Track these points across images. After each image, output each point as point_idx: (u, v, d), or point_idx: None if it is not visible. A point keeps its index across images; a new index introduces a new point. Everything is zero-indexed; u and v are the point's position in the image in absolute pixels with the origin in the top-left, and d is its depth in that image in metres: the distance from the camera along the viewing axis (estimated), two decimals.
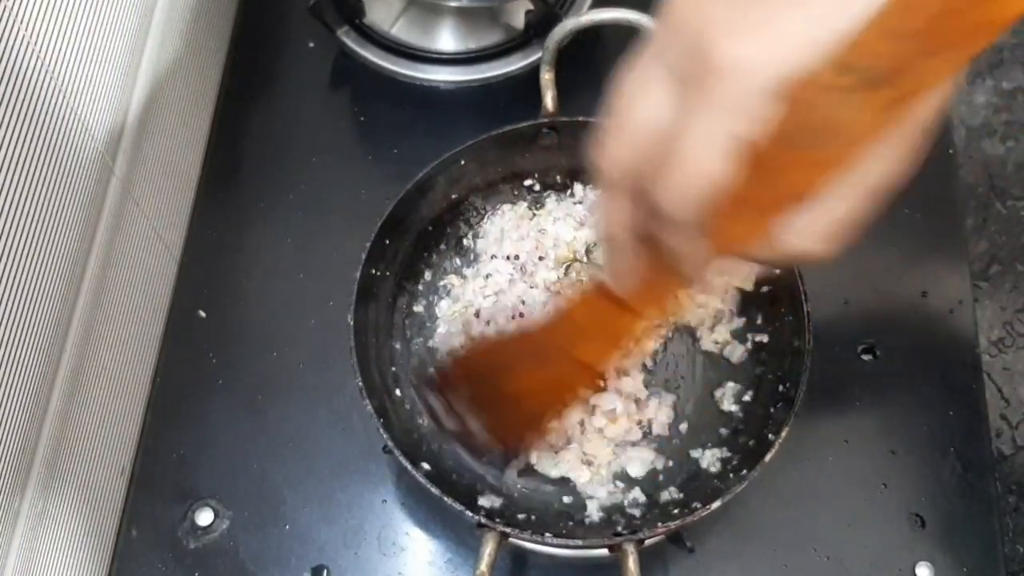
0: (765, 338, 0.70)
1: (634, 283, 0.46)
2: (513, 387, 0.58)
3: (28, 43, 0.56)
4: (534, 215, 0.77)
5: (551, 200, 0.77)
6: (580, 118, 0.71)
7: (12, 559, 0.58)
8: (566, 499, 0.67)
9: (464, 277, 0.75)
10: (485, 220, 0.76)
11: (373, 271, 0.67)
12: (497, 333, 0.68)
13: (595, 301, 0.50)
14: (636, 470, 0.68)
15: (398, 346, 0.71)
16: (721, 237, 0.39)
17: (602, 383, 0.68)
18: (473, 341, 0.70)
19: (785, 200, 0.37)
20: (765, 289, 0.71)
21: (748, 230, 0.39)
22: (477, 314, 0.73)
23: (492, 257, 0.75)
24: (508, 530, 0.58)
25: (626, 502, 0.67)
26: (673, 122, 0.36)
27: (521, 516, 0.65)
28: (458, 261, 0.76)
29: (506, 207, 0.77)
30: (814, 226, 0.38)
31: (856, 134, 0.34)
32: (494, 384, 0.59)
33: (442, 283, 0.75)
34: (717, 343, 0.72)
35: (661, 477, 0.68)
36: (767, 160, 0.35)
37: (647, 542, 0.64)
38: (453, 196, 0.74)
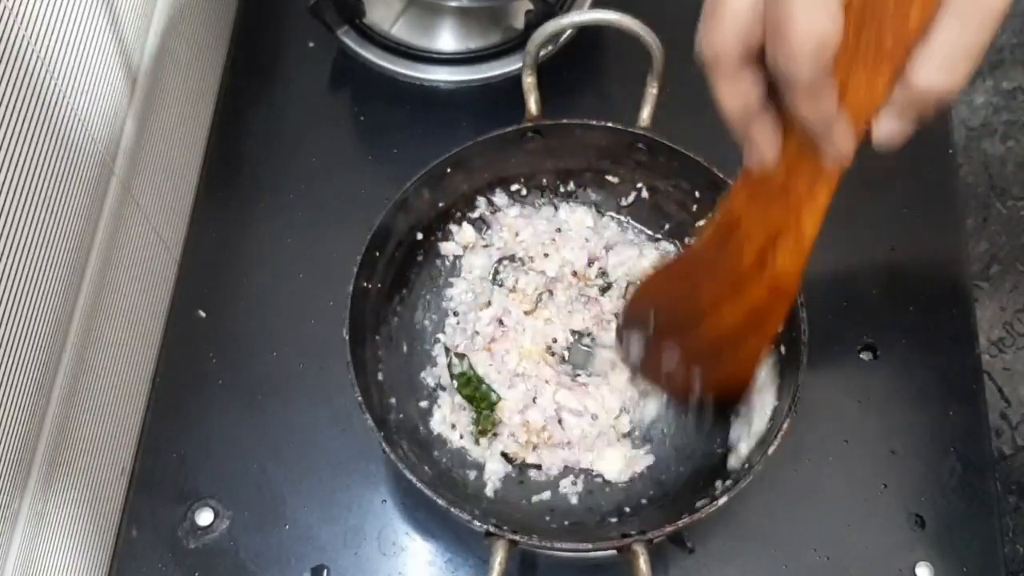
0: None
1: (779, 155, 0.44)
2: (713, 325, 0.55)
3: (28, 43, 0.56)
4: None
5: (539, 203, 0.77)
6: (564, 120, 0.71)
7: (12, 559, 0.58)
8: (569, 498, 0.68)
9: (451, 285, 0.75)
10: (472, 227, 0.76)
11: (365, 284, 0.67)
12: (664, 265, 0.64)
13: (752, 195, 0.48)
14: (636, 469, 0.68)
15: (393, 355, 0.71)
16: (853, 96, 0.39)
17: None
18: (645, 276, 0.66)
19: (902, 37, 0.38)
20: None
21: (877, 81, 0.39)
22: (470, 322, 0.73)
23: (479, 263, 0.75)
24: (517, 537, 0.57)
25: (629, 502, 0.67)
26: None
27: (525, 517, 0.65)
28: (447, 269, 0.76)
29: (495, 212, 0.77)
30: (939, 57, 0.38)
31: None
32: (692, 321, 0.56)
33: (431, 291, 0.75)
34: None
35: (663, 476, 0.68)
36: (870, 4, 0.37)
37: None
38: (440, 204, 0.74)
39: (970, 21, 0.38)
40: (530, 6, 0.83)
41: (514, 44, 0.87)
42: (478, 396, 0.69)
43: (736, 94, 0.43)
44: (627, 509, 0.66)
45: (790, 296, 0.50)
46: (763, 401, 0.65)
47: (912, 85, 0.39)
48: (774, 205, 0.47)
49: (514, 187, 0.76)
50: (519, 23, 0.86)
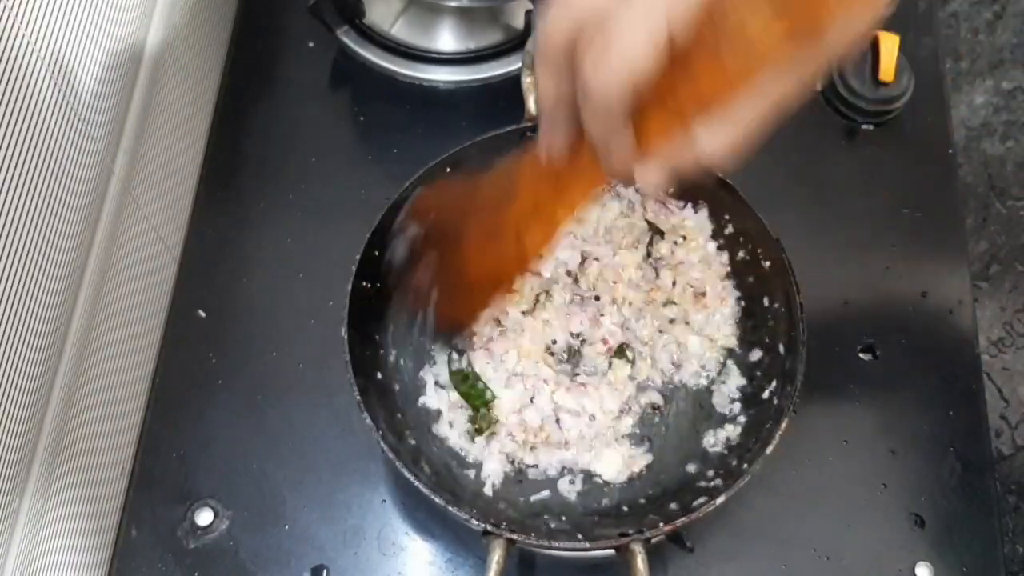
0: (761, 332, 0.71)
1: (561, 157, 0.47)
2: (467, 261, 0.59)
3: (28, 43, 0.56)
4: None
5: None
6: None
7: (12, 559, 0.58)
8: (567, 498, 0.68)
9: None
10: None
11: (364, 284, 0.67)
12: (471, 177, 0.67)
13: (536, 172, 0.51)
14: (634, 469, 0.68)
15: (392, 355, 0.71)
16: (640, 131, 0.42)
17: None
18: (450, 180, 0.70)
19: (699, 103, 0.40)
20: (752, 280, 0.72)
21: (665, 127, 0.42)
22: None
23: None
24: (515, 536, 0.57)
25: (628, 501, 0.67)
26: (611, 3, 0.39)
27: (523, 516, 0.65)
28: None
29: None
30: (721, 132, 0.41)
31: (763, 51, 0.38)
32: (453, 248, 0.60)
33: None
34: (714, 340, 0.72)
35: (661, 476, 0.68)
36: (687, 60, 0.39)
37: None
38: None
39: (759, 113, 0.40)
40: (530, 6, 0.83)
41: (514, 44, 0.87)
42: (474, 393, 0.69)
43: (551, 84, 0.43)
44: (625, 509, 0.66)
45: (524, 267, 0.56)
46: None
47: (695, 146, 0.41)
48: (545, 185, 0.51)
49: None
50: (519, 23, 0.86)
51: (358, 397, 0.61)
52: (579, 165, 0.47)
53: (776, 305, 0.69)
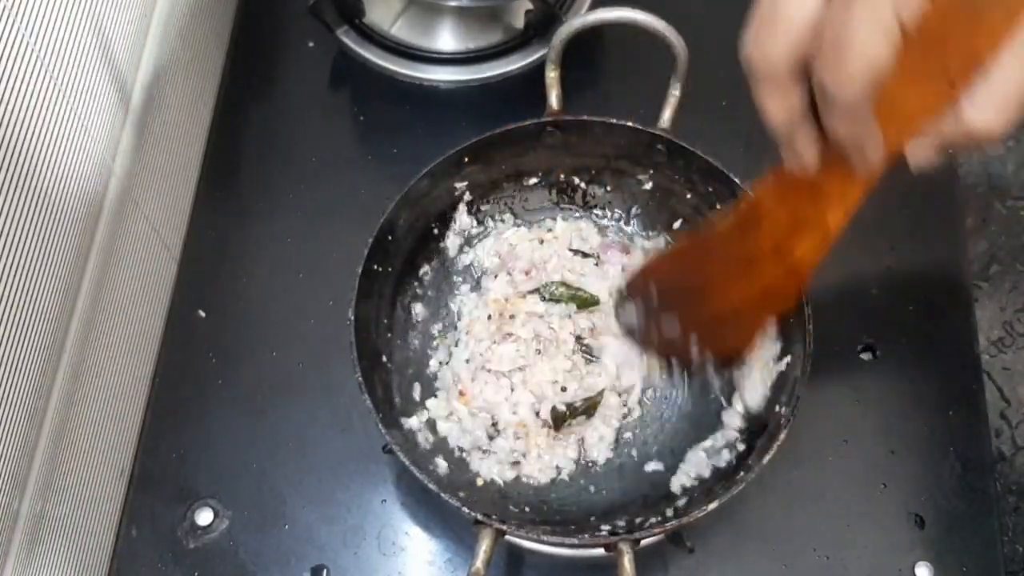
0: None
1: (815, 159, 0.46)
2: (720, 299, 0.59)
3: (28, 43, 0.56)
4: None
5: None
6: (584, 117, 0.71)
7: (12, 558, 0.58)
8: (562, 495, 0.68)
9: (456, 287, 0.75)
10: (486, 218, 0.77)
11: (375, 267, 0.67)
12: (672, 249, 0.69)
13: (783, 191, 0.50)
14: (634, 468, 0.68)
15: (398, 342, 0.71)
16: (894, 118, 0.40)
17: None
18: (661, 254, 0.71)
19: (955, 72, 0.38)
20: None
21: (921, 106, 0.40)
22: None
23: (492, 255, 0.76)
24: (504, 527, 0.57)
25: (622, 502, 0.67)
26: (829, 9, 0.38)
27: (516, 510, 0.65)
28: (459, 258, 0.76)
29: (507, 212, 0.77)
30: (988, 97, 0.39)
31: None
32: (698, 296, 0.60)
33: (439, 280, 0.75)
34: None
35: (660, 477, 0.68)
36: (933, 33, 0.37)
37: (646, 541, 0.64)
38: (456, 193, 0.73)
39: None
40: (530, 6, 0.83)
41: (514, 44, 0.87)
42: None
43: (782, 104, 0.43)
44: (619, 509, 0.66)
45: (802, 281, 0.54)
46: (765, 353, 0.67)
47: (964, 121, 0.40)
48: (804, 200, 0.49)
49: (531, 181, 0.76)
50: (519, 23, 0.86)
51: (360, 379, 0.61)
52: (830, 170, 0.46)
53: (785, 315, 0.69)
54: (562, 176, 0.76)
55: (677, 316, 0.64)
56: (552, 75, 0.72)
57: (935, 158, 0.43)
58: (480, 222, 0.76)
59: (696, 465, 0.67)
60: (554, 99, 0.72)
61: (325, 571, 0.68)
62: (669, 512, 0.63)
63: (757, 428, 0.66)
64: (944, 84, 0.39)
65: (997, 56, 0.38)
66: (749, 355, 0.65)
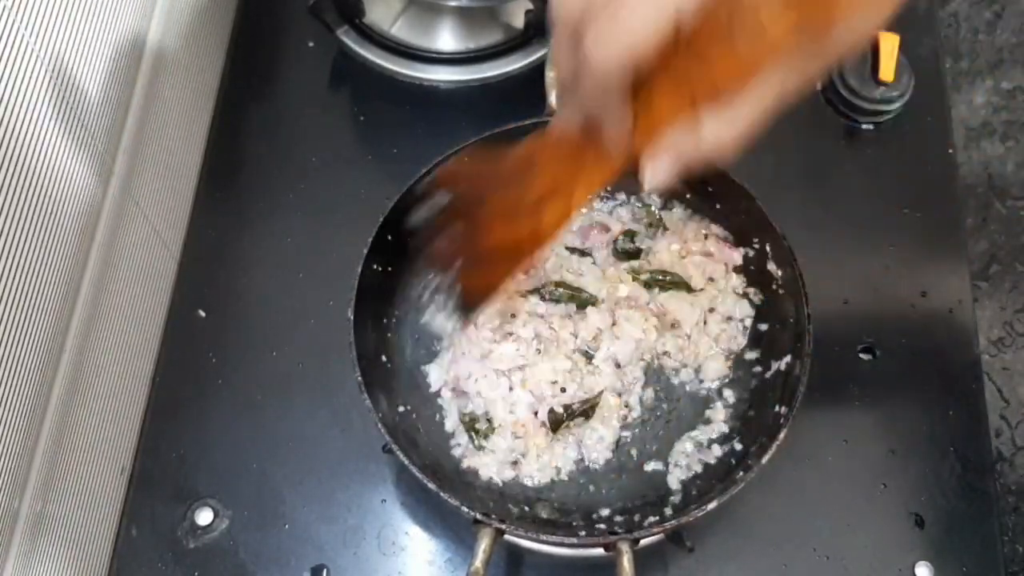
0: (768, 339, 0.71)
1: (574, 134, 0.47)
2: (486, 231, 0.58)
3: (28, 43, 0.56)
4: None
5: None
6: None
7: (12, 558, 0.58)
8: (562, 494, 0.68)
9: None
10: None
11: (375, 267, 0.67)
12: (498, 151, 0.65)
13: (554, 150, 0.50)
14: (633, 468, 0.68)
15: (399, 342, 0.71)
16: (646, 115, 0.42)
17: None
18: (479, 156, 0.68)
19: (709, 89, 0.40)
20: (762, 287, 0.72)
21: (673, 113, 0.42)
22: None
23: None
24: (503, 526, 0.58)
25: (621, 502, 0.67)
26: None
27: (515, 510, 0.65)
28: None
29: None
30: (727, 123, 0.41)
31: (773, 40, 0.38)
32: (475, 220, 0.59)
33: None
34: (720, 345, 0.72)
35: (660, 477, 0.68)
36: (698, 46, 0.38)
37: (645, 541, 0.64)
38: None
39: (764, 105, 0.40)
40: (530, 6, 0.83)
41: (514, 44, 0.87)
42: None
43: (567, 59, 0.43)
44: (619, 509, 0.66)
45: (539, 246, 0.54)
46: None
47: (698, 137, 0.41)
48: (564, 165, 0.50)
49: None
50: (519, 23, 0.86)
51: (359, 378, 0.61)
52: (596, 147, 0.46)
53: (785, 315, 0.69)
54: None
55: (459, 228, 0.62)
56: (552, 75, 0.72)
57: (668, 177, 0.44)
58: None
59: (686, 456, 0.67)
60: (554, 99, 0.72)
61: (325, 571, 0.68)
62: (668, 511, 0.63)
63: (745, 423, 0.66)
64: (698, 94, 0.41)
65: (742, 86, 0.40)
66: (484, 304, 0.63)
